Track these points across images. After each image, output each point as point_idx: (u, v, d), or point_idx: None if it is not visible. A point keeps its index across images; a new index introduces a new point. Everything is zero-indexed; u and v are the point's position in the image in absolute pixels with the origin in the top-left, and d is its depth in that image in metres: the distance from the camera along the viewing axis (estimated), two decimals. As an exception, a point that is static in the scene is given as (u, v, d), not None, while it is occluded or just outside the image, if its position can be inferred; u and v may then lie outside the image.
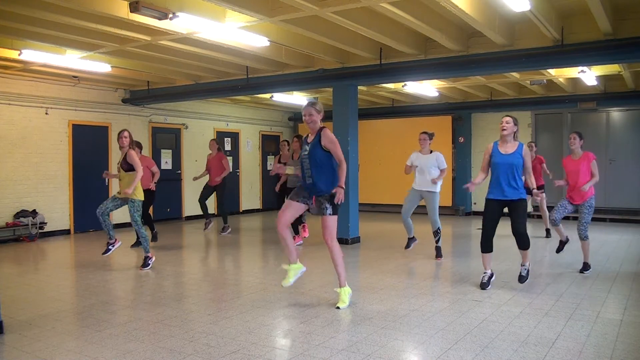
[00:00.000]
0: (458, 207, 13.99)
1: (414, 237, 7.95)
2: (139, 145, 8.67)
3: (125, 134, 7.07)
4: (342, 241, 9.00)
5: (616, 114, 12.68)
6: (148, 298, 5.56)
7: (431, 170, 7.45)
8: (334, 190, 4.99)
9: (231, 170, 10.36)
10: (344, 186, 5.01)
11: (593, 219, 6.72)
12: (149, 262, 7.06)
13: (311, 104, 5.11)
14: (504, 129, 5.65)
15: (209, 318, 4.79)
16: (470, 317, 4.74)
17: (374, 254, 8.14)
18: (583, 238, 6.56)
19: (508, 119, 5.71)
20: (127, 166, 6.96)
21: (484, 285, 5.78)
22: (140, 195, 7.10)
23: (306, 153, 5.11)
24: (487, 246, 5.81)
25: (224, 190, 10.34)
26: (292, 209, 5.18)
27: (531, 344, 4.04)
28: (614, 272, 6.71)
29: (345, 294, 5.14)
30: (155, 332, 4.39)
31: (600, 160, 12.14)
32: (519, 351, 3.89)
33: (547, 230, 9.70)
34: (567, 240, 7.15)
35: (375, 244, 9.13)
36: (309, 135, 5.20)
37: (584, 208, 6.47)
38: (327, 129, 5.10)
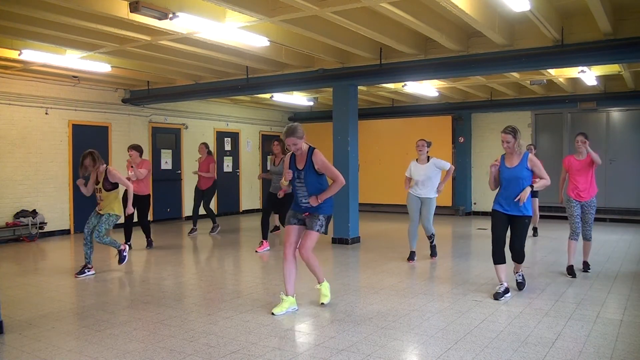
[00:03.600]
0: (458, 207, 13.98)
1: (415, 252, 7.51)
2: (138, 149, 8.58)
3: (87, 159, 6.60)
4: (342, 241, 9.00)
5: (616, 114, 12.67)
6: (148, 298, 5.56)
7: (432, 179, 7.26)
8: (313, 203, 4.80)
9: (216, 177, 10.49)
10: (323, 199, 4.79)
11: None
12: (124, 254, 6.89)
13: (291, 132, 4.77)
14: (506, 148, 5.44)
15: (209, 318, 4.79)
16: (470, 317, 4.74)
17: (374, 254, 8.14)
18: (589, 238, 6.61)
19: (508, 137, 5.37)
20: (111, 186, 6.70)
21: (497, 296, 5.37)
22: (119, 211, 6.83)
23: (300, 181, 4.87)
24: (498, 257, 5.51)
25: (211, 193, 10.51)
26: (293, 233, 5.00)
27: (531, 344, 4.04)
28: (614, 272, 6.71)
29: (327, 289, 5.21)
30: (155, 332, 4.39)
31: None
32: (519, 351, 3.89)
33: (535, 229, 9.80)
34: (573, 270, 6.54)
35: (375, 244, 9.13)
36: (297, 158, 4.92)
37: (590, 208, 6.48)
38: (316, 149, 4.87)
